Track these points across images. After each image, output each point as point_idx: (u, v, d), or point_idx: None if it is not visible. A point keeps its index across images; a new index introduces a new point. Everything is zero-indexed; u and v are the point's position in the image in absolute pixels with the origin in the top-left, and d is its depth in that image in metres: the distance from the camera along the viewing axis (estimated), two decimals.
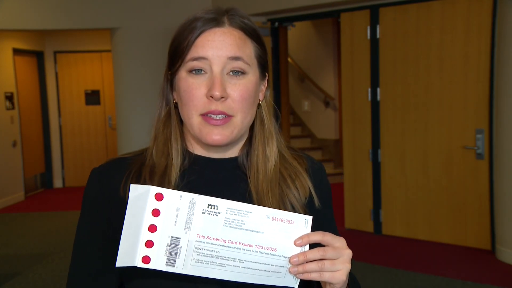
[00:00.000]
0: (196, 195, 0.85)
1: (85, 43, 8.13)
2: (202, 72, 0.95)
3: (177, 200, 0.85)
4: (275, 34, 5.72)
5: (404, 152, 4.94)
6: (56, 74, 8.19)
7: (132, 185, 0.85)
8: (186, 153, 1.01)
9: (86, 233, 1.01)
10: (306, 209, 1.02)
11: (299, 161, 1.07)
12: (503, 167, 4.29)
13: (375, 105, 5.05)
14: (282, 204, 1.00)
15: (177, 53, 0.97)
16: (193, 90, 0.95)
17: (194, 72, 0.95)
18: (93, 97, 8.28)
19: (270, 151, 1.02)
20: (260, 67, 1.01)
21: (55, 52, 8.15)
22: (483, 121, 4.46)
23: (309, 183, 1.04)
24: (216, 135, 0.95)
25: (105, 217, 0.98)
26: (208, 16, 0.96)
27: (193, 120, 0.96)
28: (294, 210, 1.00)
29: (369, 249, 4.76)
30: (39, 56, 8.06)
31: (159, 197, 0.85)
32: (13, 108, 7.26)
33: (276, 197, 0.99)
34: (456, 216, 4.69)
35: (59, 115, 8.25)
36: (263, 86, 1.04)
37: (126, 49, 6.00)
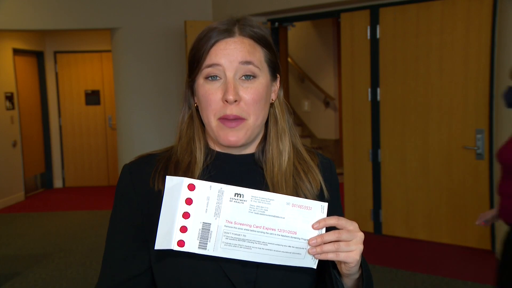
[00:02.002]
0: (224, 185, 0.95)
1: (85, 43, 8.13)
2: (217, 78, 1.04)
3: (207, 190, 0.94)
4: (275, 34, 5.71)
5: (404, 152, 4.94)
6: (56, 74, 8.19)
7: (167, 177, 0.95)
8: (208, 151, 1.11)
9: (118, 221, 1.11)
10: (318, 200, 1.09)
11: (311, 156, 1.17)
12: None
13: (375, 105, 5.05)
14: (295, 195, 1.08)
15: (195, 61, 1.07)
16: (210, 96, 1.04)
17: (210, 78, 1.05)
18: (93, 97, 8.28)
19: (283, 147, 1.11)
20: (271, 70, 1.09)
21: (55, 52, 8.15)
22: (483, 121, 4.46)
23: (320, 177, 1.13)
24: (232, 137, 1.04)
25: (134, 207, 1.08)
26: (221, 27, 1.06)
27: (212, 123, 1.05)
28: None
29: (369, 249, 4.74)
30: (39, 56, 8.06)
31: (191, 187, 0.94)
32: (13, 108, 7.26)
33: (290, 189, 1.08)
34: (456, 216, 4.69)
35: (59, 115, 8.24)
36: (276, 87, 1.13)
37: (126, 49, 5.99)
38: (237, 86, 1.03)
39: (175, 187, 0.94)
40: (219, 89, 1.03)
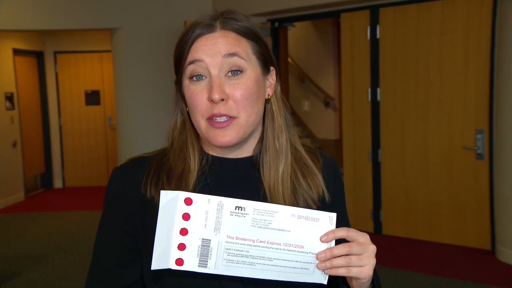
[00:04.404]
0: (224, 198, 0.88)
1: (85, 43, 8.13)
2: (203, 77, 0.97)
3: (205, 204, 0.88)
4: (275, 34, 5.72)
5: (404, 152, 4.94)
6: (56, 74, 8.19)
7: (162, 192, 0.88)
8: (203, 155, 1.04)
9: (107, 228, 1.05)
10: (319, 204, 1.05)
11: (313, 157, 1.09)
12: (503, 167, 4.29)
13: (375, 105, 5.05)
14: (294, 199, 1.02)
15: (177, 62, 1.01)
16: (196, 96, 0.97)
17: (194, 78, 0.98)
18: (93, 97, 8.28)
19: (280, 146, 1.04)
20: (261, 63, 1.01)
21: (55, 52, 8.15)
22: (483, 121, 4.46)
23: (321, 179, 1.06)
24: (222, 137, 0.97)
25: (126, 213, 1.02)
26: (203, 21, 0.98)
27: (201, 124, 0.99)
28: (306, 204, 1.03)
29: None
30: (39, 56, 8.06)
31: (188, 201, 0.88)
32: (13, 108, 7.26)
33: (288, 192, 1.02)
34: (456, 216, 4.69)
35: (59, 115, 8.25)
36: (272, 80, 1.05)
37: (126, 49, 5.99)
38: (222, 84, 0.96)
39: (171, 202, 0.88)
40: (204, 88, 0.97)
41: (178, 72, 1.02)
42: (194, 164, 1.02)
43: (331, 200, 1.07)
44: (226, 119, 0.97)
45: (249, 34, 1.00)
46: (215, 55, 0.96)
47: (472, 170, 4.56)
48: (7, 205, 7.14)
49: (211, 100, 0.96)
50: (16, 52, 7.40)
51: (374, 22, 4.97)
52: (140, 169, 1.04)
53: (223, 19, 0.99)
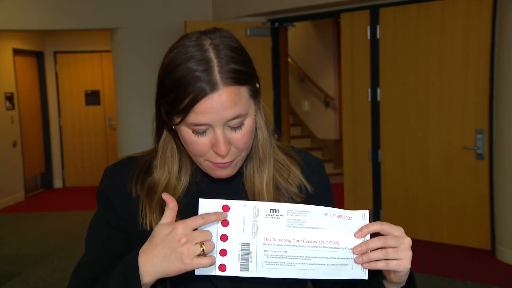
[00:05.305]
0: (259, 202, 0.92)
1: (85, 43, 8.13)
2: (206, 132, 0.96)
3: (242, 209, 0.92)
4: (275, 34, 5.71)
5: (404, 152, 4.94)
6: (56, 74, 8.19)
7: (200, 200, 0.91)
8: (189, 165, 1.06)
9: (97, 223, 1.10)
10: (303, 196, 1.08)
11: (290, 155, 1.12)
12: (503, 167, 4.29)
13: (375, 105, 5.05)
14: (277, 200, 1.05)
15: (175, 109, 0.96)
16: (198, 146, 0.98)
17: (196, 132, 0.97)
18: (93, 97, 8.28)
19: (264, 156, 1.06)
20: (255, 98, 1.00)
21: (55, 52, 8.15)
22: (483, 121, 4.46)
23: (298, 173, 1.09)
24: (224, 173, 1.01)
25: (115, 208, 1.07)
26: (202, 77, 0.92)
27: (202, 164, 1.01)
28: (291, 200, 1.06)
29: None
30: (39, 56, 8.06)
31: (226, 208, 0.92)
32: (13, 108, 7.26)
33: (271, 198, 1.04)
34: (456, 216, 4.69)
35: (59, 115, 8.25)
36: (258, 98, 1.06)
37: (126, 49, 5.99)
38: (227, 137, 0.96)
39: (209, 210, 0.91)
40: (207, 139, 0.96)
41: (173, 116, 0.97)
42: (179, 169, 1.05)
43: (314, 191, 1.09)
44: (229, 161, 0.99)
45: (245, 78, 0.96)
46: (220, 119, 0.94)
47: (472, 170, 4.56)
48: (7, 205, 7.14)
49: (215, 152, 0.97)
50: (16, 52, 7.40)
51: (374, 22, 4.97)
52: (127, 168, 1.08)
53: (220, 67, 0.93)
